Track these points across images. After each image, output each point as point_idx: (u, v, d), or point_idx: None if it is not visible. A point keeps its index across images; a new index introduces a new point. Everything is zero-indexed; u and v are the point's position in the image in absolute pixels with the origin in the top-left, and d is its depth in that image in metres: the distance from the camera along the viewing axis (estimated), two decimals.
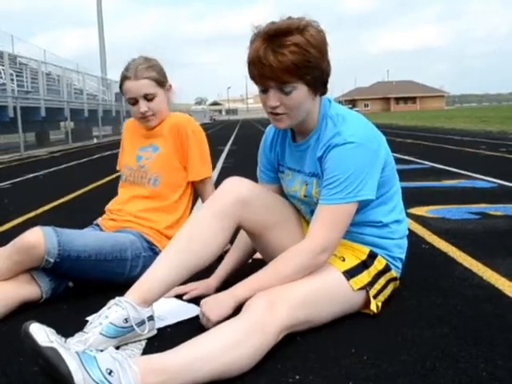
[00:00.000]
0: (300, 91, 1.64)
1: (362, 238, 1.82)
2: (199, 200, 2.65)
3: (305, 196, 1.84)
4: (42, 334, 1.26)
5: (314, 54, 1.60)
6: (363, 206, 1.76)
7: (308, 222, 1.84)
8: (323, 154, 1.72)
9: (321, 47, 1.62)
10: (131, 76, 2.30)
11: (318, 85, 1.68)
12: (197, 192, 2.52)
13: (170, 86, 2.44)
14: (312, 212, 1.76)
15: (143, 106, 2.33)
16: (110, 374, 1.25)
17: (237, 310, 1.60)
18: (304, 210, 1.93)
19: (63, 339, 1.34)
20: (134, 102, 2.35)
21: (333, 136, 1.69)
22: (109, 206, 2.46)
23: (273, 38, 1.59)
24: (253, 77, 1.66)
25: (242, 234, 2.03)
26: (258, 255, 2.14)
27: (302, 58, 1.58)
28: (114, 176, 2.50)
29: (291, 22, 1.62)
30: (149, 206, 2.35)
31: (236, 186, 1.80)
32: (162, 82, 2.37)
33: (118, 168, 2.65)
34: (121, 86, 2.38)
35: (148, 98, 2.32)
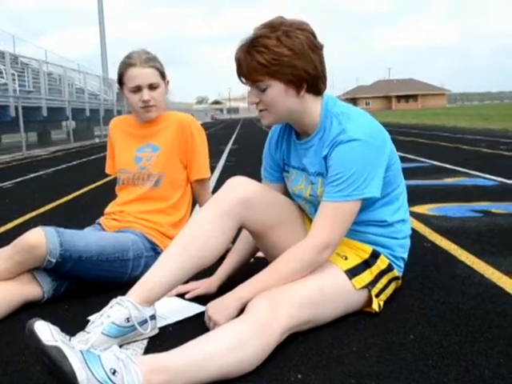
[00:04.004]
0: (275, 89, 1.68)
1: (366, 237, 1.82)
2: None
3: (310, 195, 1.84)
4: (46, 332, 1.26)
5: (283, 52, 1.63)
6: (369, 204, 1.76)
7: (312, 222, 1.84)
8: (329, 151, 1.71)
9: (295, 46, 1.64)
10: (136, 63, 2.26)
11: (298, 82, 1.68)
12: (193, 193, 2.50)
13: (168, 81, 2.41)
14: (316, 211, 1.76)
15: (146, 94, 2.28)
16: (113, 373, 1.25)
17: (241, 311, 1.60)
18: (308, 210, 1.93)
19: (67, 337, 1.34)
20: (136, 90, 2.28)
21: (338, 134, 1.69)
22: (108, 209, 2.45)
23: (250, 39, 1.68)
24: (236, 75, 1.75)
25: (245, 234, 2.03)
26: (260, 254, 2.14)
27: (268, 57, 1.63)
28: (115, 176, 2.50)
29: (269, 23, 1.68)
30: (150, 207, 2.34)
31: (239, 185, 1.80)
32: (164, 74, 2.35)
33: (107, 171, 2.59)
34: (121, 75, 2.30)
35: (152, 87, 2.29)
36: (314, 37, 1.70)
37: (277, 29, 1.65)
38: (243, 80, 1.74)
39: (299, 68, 1.65)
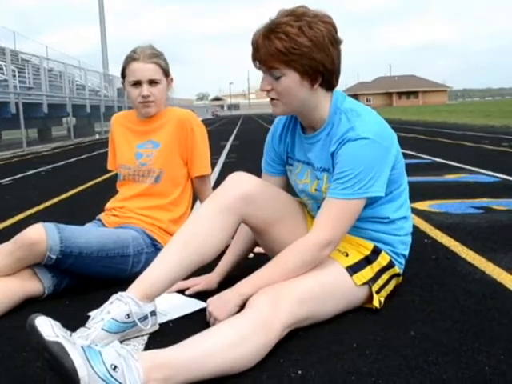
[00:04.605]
0: (289, 78, 1.66)
1: (368, 234, 1.81)
2: None
3: (316, 190, 1.84)
4: (47, 327, 1.26)
5: (304, 42, 1.60)
6: (372, 201, 1.76)
7: (313, 218, 1.83)
8: (336, 148, 1.70)
9: (316, 38, 1.62)
10: (139, 58, 2.27)
11: (314, 75, 1.66)
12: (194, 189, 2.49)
13: (172, 79, 2.41)
14: (319, 208, 1.75)
15: (146, 89, 2.29)
16: (114, 369, 1.25)
17: (241, 307, 1.60)
18: (311, 206, 1.92)
19: (69, 333, 1.34)
20: (136, 84, 2.29)
21: (346, 131, 1.68)
22: (109, 205, 2.44)
23: (271, 24, 1.64)
24: (251, 59, 1.72)
25: (243, 228, 2.01)
26: (259, 249, 2.14)
27: (288, 45, 1.60)
28: (115, 172, 2.50)
29: (292, 11, 1.65)
30: (151, 203, 2.34)
31: (240, 181, 1.79)
32: (167, 71, 2.36)
33: (109, 167, 2.60)
34: (124, 69, 2.33)
35: (152, 83, 2.29)
36: (335, 31, 1.68)
37: (300, 18, 1.62)
38: (257, 65, 1.71)
39: (318, 61, 1.64)
